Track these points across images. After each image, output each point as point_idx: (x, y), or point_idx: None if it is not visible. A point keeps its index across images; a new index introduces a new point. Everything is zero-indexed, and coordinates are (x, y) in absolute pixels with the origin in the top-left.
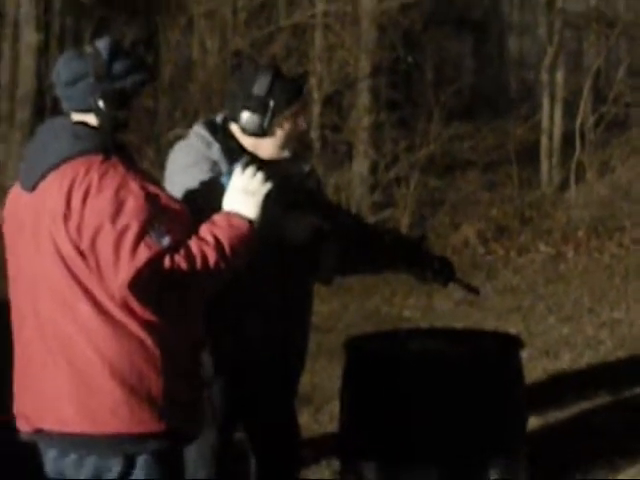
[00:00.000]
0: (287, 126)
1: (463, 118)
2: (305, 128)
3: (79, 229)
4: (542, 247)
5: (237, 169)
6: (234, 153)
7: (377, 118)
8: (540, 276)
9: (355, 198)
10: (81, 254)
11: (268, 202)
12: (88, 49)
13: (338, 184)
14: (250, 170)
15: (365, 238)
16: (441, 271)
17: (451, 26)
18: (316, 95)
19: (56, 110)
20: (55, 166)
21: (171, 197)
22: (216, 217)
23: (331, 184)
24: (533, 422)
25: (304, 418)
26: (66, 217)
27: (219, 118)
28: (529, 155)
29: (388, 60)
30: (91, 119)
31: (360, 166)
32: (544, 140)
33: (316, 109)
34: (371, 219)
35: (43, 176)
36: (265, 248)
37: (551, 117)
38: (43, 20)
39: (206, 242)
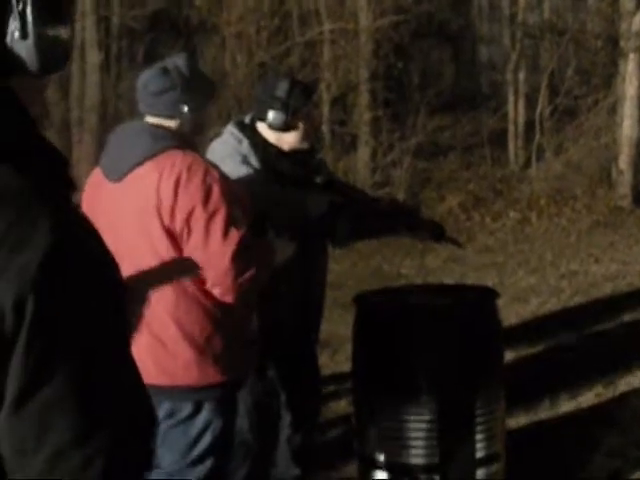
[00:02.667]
0: (305, 121)
1: (444, 112)
2: (318, 122)
3: (172, 214)
4: (511, 214)
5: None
6: (261, 147)
7: (375, 114)
8: (510, 237)
9: (360, 179)
10: (170, 237)
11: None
12: (170, 65)
13: (346, 168)
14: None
15: (372, 209)
16: (434, 231)
17: (433, 38)
18: (325, 97)
19: (118, 116)
20: (141, 162)
21: (237, 187)
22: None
23: (340, 168)
24: (508, 356)
25: (323, 359)
26: (158, 206)
27: (247, 118)
28: (499, 140)
29: (383, 67)
30: (169, 123)
31: (363, 153)
32: (510, 127)
33: (326, 108)
34: (373, 195)
35: (130, 170)
36: (291, 223)
37: (515, 109)
38: (104, 43)
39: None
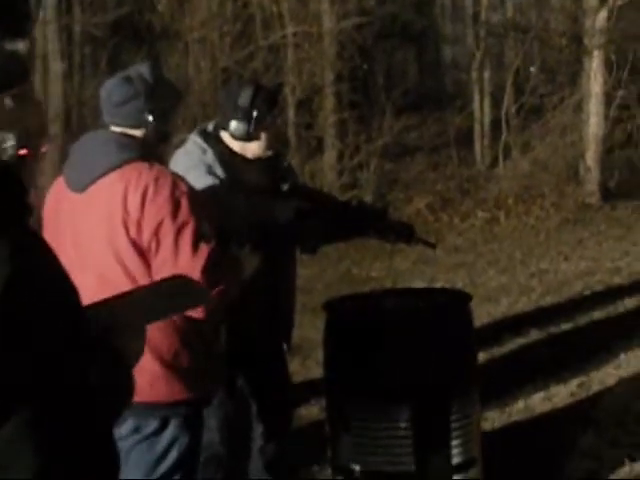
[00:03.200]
0: (269, 130)
1: (410, 113)
2: (281, 130)
3: (139, 227)
4: (479, 213)
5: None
6: (225, 157)
7: (341, 116)
8: (479, 237)
9: (327, 182)
10: (137, 249)
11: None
12: (133, 74)
13: (312, 171)
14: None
15: (340, 213)
16: (403, 232)
17: (396, 39)
18: (290, 100)
19: (81, 125)
20: (105, 172)
21: (205, 199)
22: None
23: (307, 171)
24: (481, 357)
25: (294, 365)
26: (124, 219)
27: (210, 126)
28: (465, 139)
29: (347, 69)
30: (134, 132)
31: (329, 156)
32: (476, 127)
33: (291, 112)
34: (340, 198)
35: (93, 180)
36: (257, 232)
37: (481, 108)
38: (66, 51)
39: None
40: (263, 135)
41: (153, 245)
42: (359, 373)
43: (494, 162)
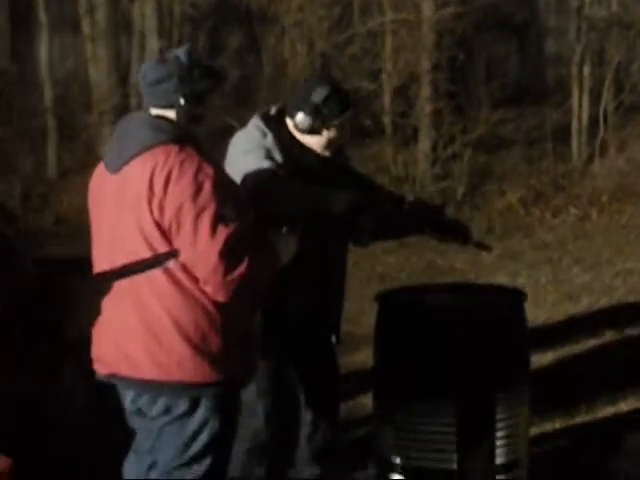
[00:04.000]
0: (332, 132)
1: (508, 105)
2: (347, 138)
3: (161, 208)
4: (572, 210)
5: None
6: (285, 143)
7: (437, 106)
8: (569, 233)
9: (419, 172)
10: (161, 230)
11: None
12: (170, 56)
13: (406, 160)
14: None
15: (397, 208)
16: (459, 233)
17: (497, 31)
18: (387, 88)
19: None
20: (138, 153)
21: (234, 183)
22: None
23: (400, 159)
24: (550, 356)
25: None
26: (149, 199)
27: (273, 111)
28: (562, 135)
29: (445, 59)
30: (170, 114)
31: (423, 145)
32: (574, 122)
33: (387, 99)
34: (432, 188)
35: (126, 161)
36: (311, 221)
37: (580, 104)
38: (165, 30)
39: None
40: (324, 133)
41: (174, 227)
42: (406, 368)
43: (590, 159)
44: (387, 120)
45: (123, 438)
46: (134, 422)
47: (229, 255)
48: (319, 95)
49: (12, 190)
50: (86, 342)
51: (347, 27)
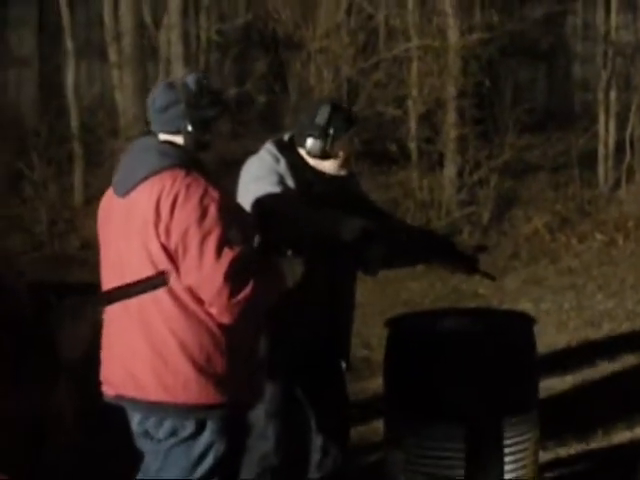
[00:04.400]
0: (344, 149)
1: (535, 131)
2: (355, 150)
3: (168, 232)
4: (598, 236)
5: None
6: (298, 169)
7: (463, 131)
8: (595, 259)
9: (445, 197)
10: (167, 253)
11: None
12: (178, 82)
13: (431, 185)
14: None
15: (406, 237)
16: (467, 263)
17: (524, 57)
18: (413, 113)
19: None
20: (145, 178)
21: (240, 207)
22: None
23: (426, 185)
24: (568, 381)
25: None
26: (156, 222)
27: (286, 137)
28: (588, 160)
29: (471, 85)
30: (177, 139)
31: (449, 171)
32: (600, 148)
33: (413, 125)
34: (458, 214)
35: (134, 186)
36: (321, 247)
37: (606, 129)
38: (192, 57)
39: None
40: (339, 153)
41: (180, 250)
42: (415, 392)
43: (616, 184)
44: (413, 146)
45: (131, 460)
46: (142, 444)
47: (234, 278)
48: (322, 117)
49: (39, 216)
50: (82, 362)
51: (373, 53)
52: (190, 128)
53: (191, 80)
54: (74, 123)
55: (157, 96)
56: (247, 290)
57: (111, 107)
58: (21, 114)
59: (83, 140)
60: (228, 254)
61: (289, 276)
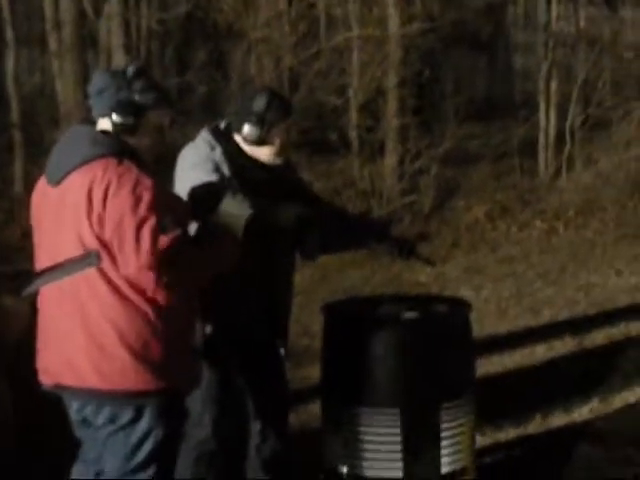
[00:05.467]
0: (280, 137)
1: (476, 120)
2: (290, 140)
3: (101, 221)
4: (538, 224)
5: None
6: (234, 156)
7: (403, 121)
8: (535, 247)
9: (386, 186)
10: (102, 243)
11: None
12: (117, 68)
13: (372, 175)
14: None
15: (342, 222)
16: (404, 248)
17: (466, 46)
18: (353, 103)
19: None
20: (77, 166)
21: (173, 194)
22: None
23: (367, 174)
24: (508, 367)
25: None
26: (88, 212)
27: (223, 124)
28: (529, 149)
29: (411, 74)
30: (106, 124)
31: (390, 160)
32: (541, 137)
33: (354, 114)
34: (399, 203)
35: (66, 175)
36: (257, 233)
37: (547, 118)
38: (133, 46)
39: (205, 244)
40: (275, 140)
41: (115, 242)
42: (351, 378)
43: (557, 173)
44: (354, 135)
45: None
46: (80, 432)
47: (169, 264)
48: (260, 104)
49: None
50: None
51: (314, 42)
52: (114, 112)
53: (130, 67)
54: (14, 112)
55: (94, 80)
56: (183, 275)
57: (51, 96)
58: None
59: (23, 129)
60: (163, 242)
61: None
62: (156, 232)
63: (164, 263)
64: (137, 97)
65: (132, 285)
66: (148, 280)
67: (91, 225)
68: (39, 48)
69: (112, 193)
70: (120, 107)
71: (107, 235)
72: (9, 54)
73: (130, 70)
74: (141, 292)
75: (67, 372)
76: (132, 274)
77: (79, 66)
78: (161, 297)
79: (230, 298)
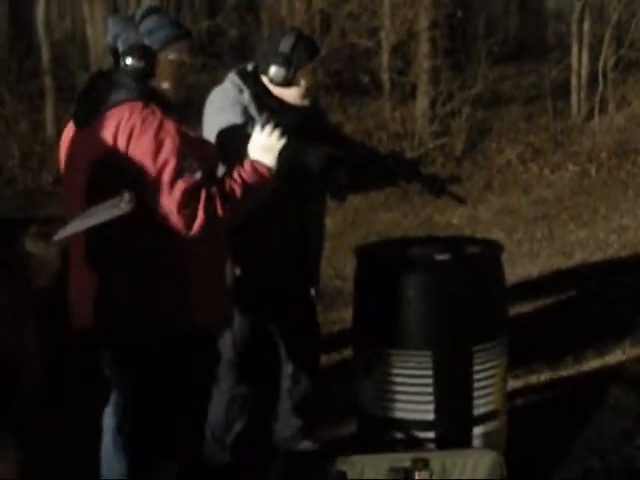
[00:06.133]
0: (307, 78)
1: (508, 62)
2: (319, 81)
3: (124, 164)
4: (570, 166)
5: (257, 127)
6: (262, 99)
7: (435, 63)
8: (567, 190)
9: (417, 128)
10: (126, 185)
11: (290, 137)
12: (130, 14)
13: (404, 117)
14: (268, 128)
15: (371, 160)
16: (434, 185)
17: None
18: (385, 45)
19: None
20: (105, 110)
21: (199, 137)
22: (244, 163)
23: (398, 117)
24: (540, 310)
25: None
26: (114, 155)
27: (250, 67)
28: (561, 91)
29: (443, 16)
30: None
31: (422, 102)
32: (573, 79)
33: (385, 57)
34: (431, 145)
35: (94, 117)
36: (286, 173)
37: (579, 60)
38: None
39: (235, 181)
40: (302, 82)
41: (137, 182)
42: (383, 320)
43: (590, 115)
44: (385, 77)
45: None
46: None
47: (187, 208)
48: (286, 45)
49: (11, 151)
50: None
51: None
52: (128, 57)
53: (140, 9)
54: (45, 57)
55: (110, 26)
56: (201, 217)
57: (82, 41)
58: None
59: (54, 75)
60: (181, 185)
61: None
62: (175, 177)
63: (180, 208)
64: (146, 39)
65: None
66: (169, 222)
67: (115, 166)
68: None
69: (135, 137)
70: (131, 52)
71: (129, 176)
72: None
73: (138, 12)
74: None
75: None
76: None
77: (109, 10)
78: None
79: (259, 242)
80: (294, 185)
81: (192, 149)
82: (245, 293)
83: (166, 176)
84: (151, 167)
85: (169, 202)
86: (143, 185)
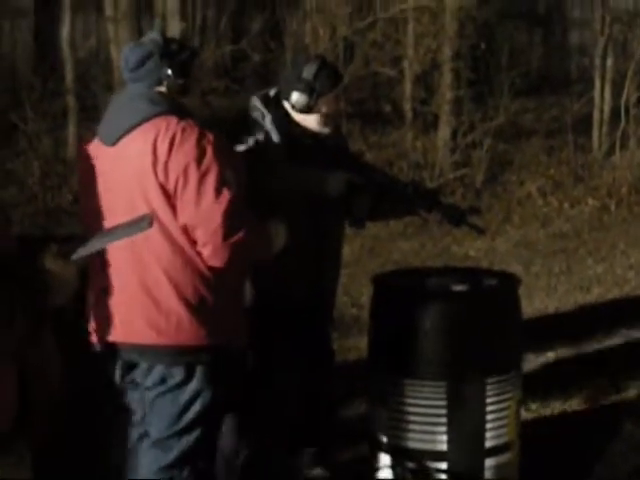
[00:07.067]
0: (329, 106)
1: (530, 95)
2: (341, 109)
3: (166, 170)
4: (590, 201)
5: None
6: (284, 124)
7: (457, 94)
8: (586, 224)
9: (439, 159)
10: (165, 194)
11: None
12: (145, 39)
13: (425, 147)
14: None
15: (391, 189)
16: (454, 216)
17: (521, 21)
18: (408, 74)
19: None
20: (137, 125)
21: (233, 151)
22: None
23: (419, 146)
24: (556, 344)
25: None
26: (154, 163)
27: (272, 92)
28: (583, 125)
29: (466, 47)
30: (160, 89)
31: (443, 132)
32: (596, 113)
33: (408, 86)
34: (452, 175)
35: (124, 134)
36: (306, 200)
37: (602, 95)
38: (188, 13)
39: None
40: (323, 109)
41: (179, 187)
42: (398, 349)
43: (611, 150)
44: (407, 107)
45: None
46: (126, 395)
47: (231, 218)
48: (309, 71)
49: (32, 170)
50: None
51: (369, 13)
52: (170, 72)
53: (155, 34)
54: (69, 76)
55: (129, 55)
56: (241, 234)
57: (106, 61)
58: (15, 66)
59: (77, 94)
60: (226, 194)
61: (277, 239)
62: (220, 184)
63: (225, 216)
64: (179, 57)
65: (189, 238)
66: (203, 231)
67: (156, 174)
68: (95, 13)
69: (177, 144)
70: (172, 68)
71: (171, 183)
72: (65, 19)
73: (157, 36)
74: (196, 245)
75: (119, 328)
76: (189, 222)
77: (134, 31)
78: None
79: (275, 267)
80: (313, 212)
81: (230, 161)
82: (259, 318)
83: (211, 181)
84: (195, 173)
85: (214, 207)
86: (182, 187)
